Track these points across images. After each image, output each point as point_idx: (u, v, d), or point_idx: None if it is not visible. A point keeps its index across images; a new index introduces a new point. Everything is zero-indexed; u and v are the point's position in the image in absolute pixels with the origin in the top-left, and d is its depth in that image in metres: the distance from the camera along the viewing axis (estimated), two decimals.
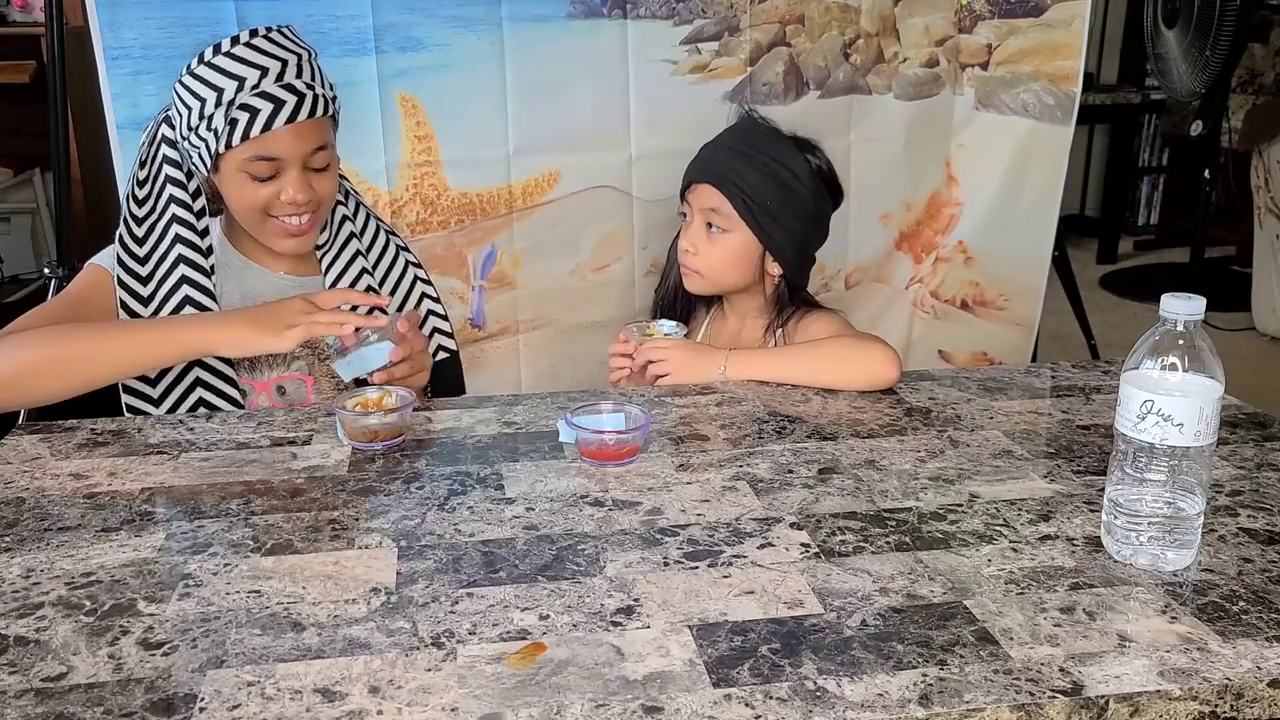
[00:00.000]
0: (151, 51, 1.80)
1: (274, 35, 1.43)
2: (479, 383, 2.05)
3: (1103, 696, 0.80)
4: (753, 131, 1.69)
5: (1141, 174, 5.39)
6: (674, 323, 1.62)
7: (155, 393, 1.44)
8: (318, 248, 1.53)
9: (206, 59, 1.40)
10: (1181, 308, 0.94)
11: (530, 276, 2.07)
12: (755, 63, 2.06)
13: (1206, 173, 4.03)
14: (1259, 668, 0.83)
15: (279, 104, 1.39)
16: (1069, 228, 4.48)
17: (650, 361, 1.54)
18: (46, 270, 2.18)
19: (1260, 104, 3.89)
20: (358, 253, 1.55)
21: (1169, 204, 5.36)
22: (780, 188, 1.61)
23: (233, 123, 1.38)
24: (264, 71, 1.39)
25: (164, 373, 1.44)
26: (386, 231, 1.62)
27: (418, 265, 1.64)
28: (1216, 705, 0.81)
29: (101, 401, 1.38)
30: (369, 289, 1.53)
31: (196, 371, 1.44)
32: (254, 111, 1.38)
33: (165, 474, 1.20)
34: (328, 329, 1.35)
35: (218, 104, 1.39)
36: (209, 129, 1.40)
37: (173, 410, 1.44)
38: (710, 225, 1.62)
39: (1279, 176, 3.90)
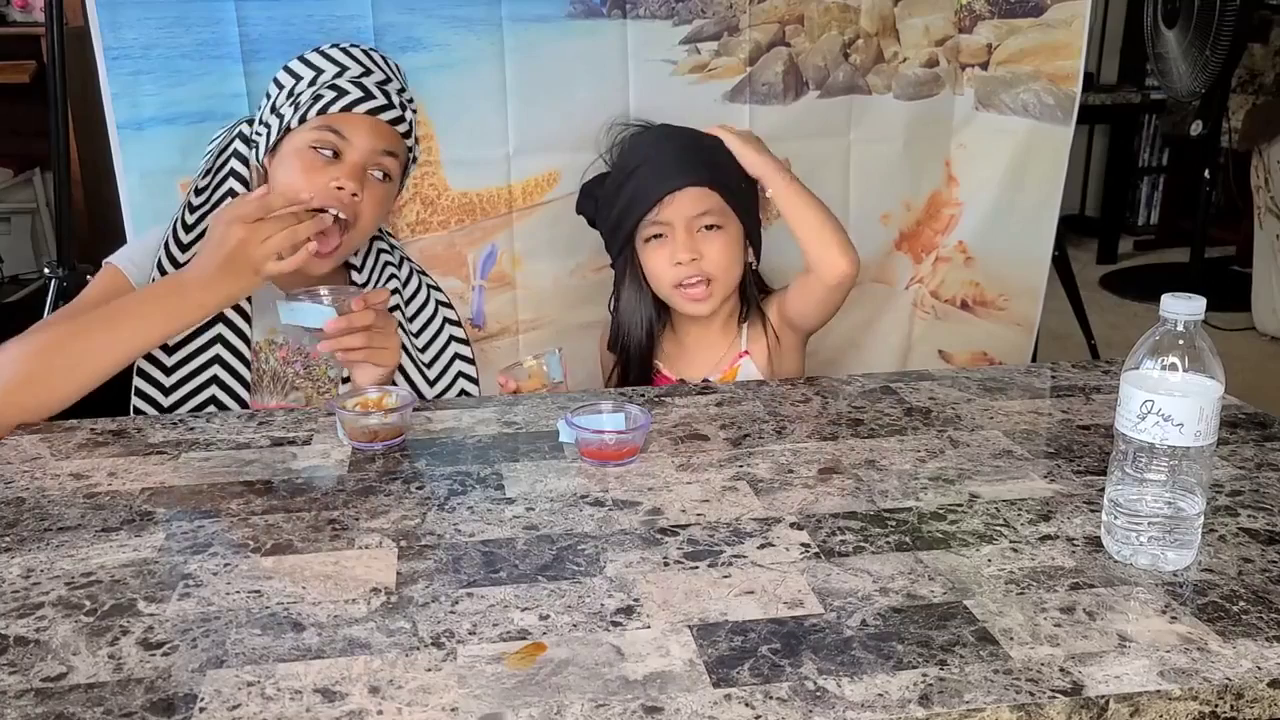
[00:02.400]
0: (151, 51, 1.80)
1: (389, 57, 1.50)
2: (479, 383, 2.05)
3: (1103, 696, 0.80)
4: (674, 130, 1.71)
5: (1141, 174, 5.40)
6: (550, 349, 1.58)
7: (166, 403, 1.44)
8: (352, 271, 1.53)
9: (323, 49, 1.46)
10: (1181, 308, 0.94)
11: (530, 276, 2.07)
12: (755, 63, 2.05)
13: (1206, 173, 4.04)
14: (1259, 668, 0.83)
15: (369, 94, 1.42)
16: (1069, 228, 4.48)
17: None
18: (47, 270, 2.18)
19: (1260, 104, 3.89)
20: (395, 288, 1.55)
21: (1169, 204, 5.37)
22: (735, 164, 1.65)
23: (317, 98, 1.40)
24: (367, 71, 1.44)
25: (177, 386, 1.43)
26: (430, 286, 1.63)
27: (456, 324, 1.64)
28: (1216, 705, 0.81)
29: (105, 401, 1.38)
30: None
31: (213, 390, 1.44)
32: (341, 92, 1.41)
33: (165, 474, 1.20)
34: (288, 265, 1.30)
35: (311, 83, 1.42)
36: (291, 103, 1.41)
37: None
38: (703, 229, 1.61)
39: (1279, 176, 3.90)
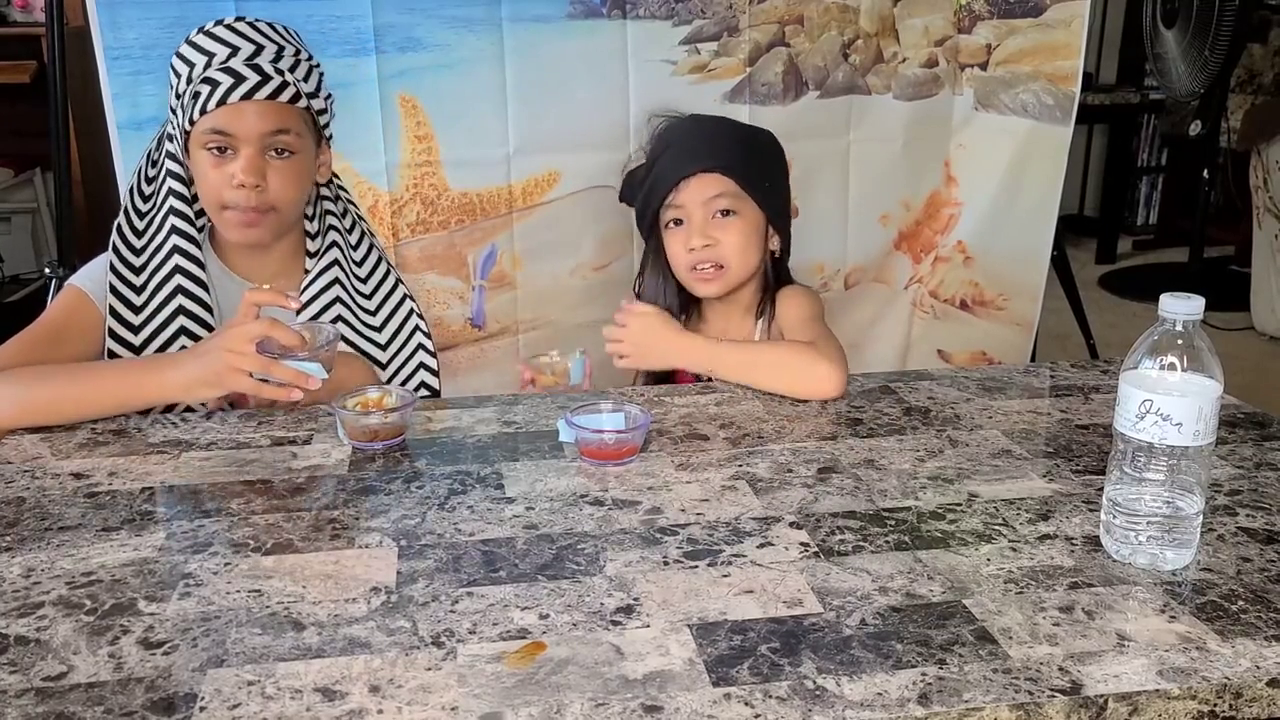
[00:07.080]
0: (151, 51, 1.81)
1: (259, 23, 1.43)
2: (479, 382, 2.05)
3: (1102, 696, 0.80)
4: (704, 119, 1.71)
5: (1140, 174, 5.40)
6: (577, 352, 1.56)
7: None
8: (309, 254, 1.50)
9: (190, 38, 1.41)
10: (1180, 307, 0.94)
11: (530, 276, 2.07)
12: (754, 63, 2.06)
13: (1205, 173, 4.04)
14: (1258, 667, 0.83)
15: (239, 79, 1.37)
16: (1068, 228, 4.48)
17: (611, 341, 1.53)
18: (47, 270, 2.19)
19: (1259, 104, 3.89)
20: (336, 280, 1.50)
21: (1168, 204, 5.37)
22: (761, 156, 1.64)
23: (195, 96, 1.37)
24: (234, 50, 1.38)
25: None
26: (389, 263, 1.59)
27: (412, 297, 1.60)
28: (1215, 705, 0.81)
29: None
30: (337, 319, 1.48)
31: None
32: (214, 85, 1.37)
33: (166, 473, 1.20)
34: (265, 390, 1.29)
35: (188, 80, 1.38)
36: (179, 105, 1.40)
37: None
38: (718, 214, 1.61)
39: (1278, 176, 3.90)
